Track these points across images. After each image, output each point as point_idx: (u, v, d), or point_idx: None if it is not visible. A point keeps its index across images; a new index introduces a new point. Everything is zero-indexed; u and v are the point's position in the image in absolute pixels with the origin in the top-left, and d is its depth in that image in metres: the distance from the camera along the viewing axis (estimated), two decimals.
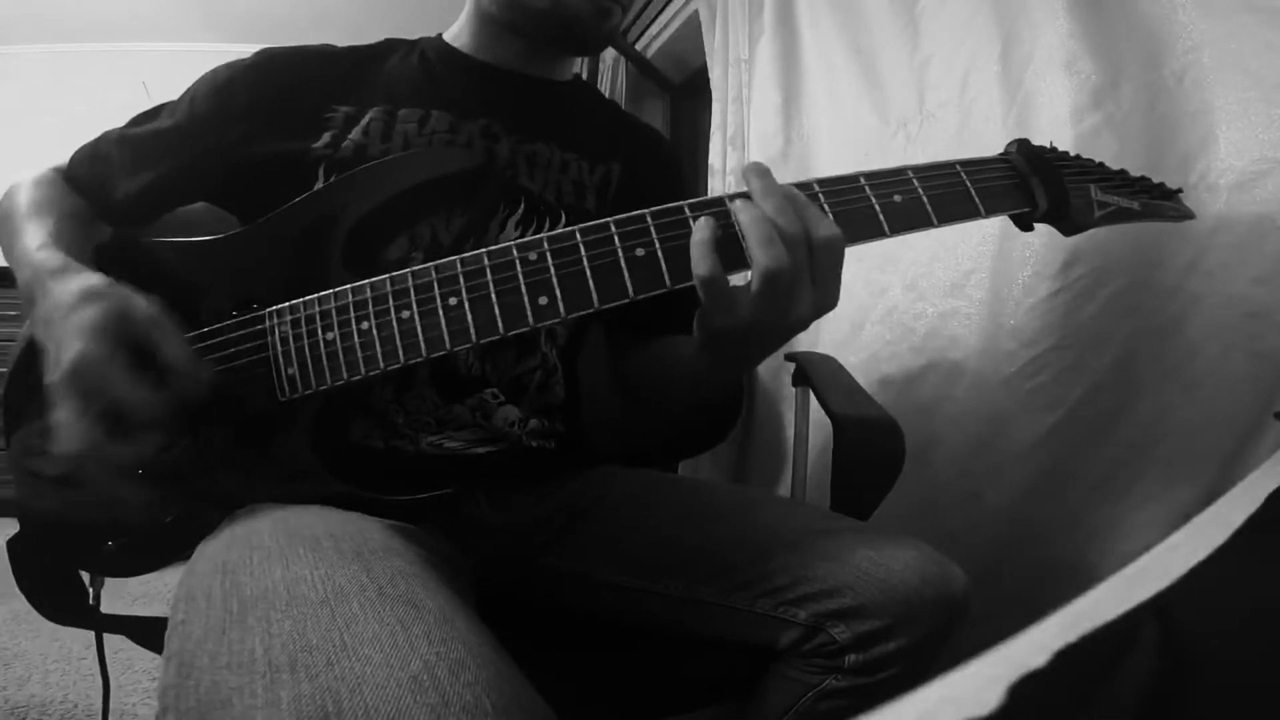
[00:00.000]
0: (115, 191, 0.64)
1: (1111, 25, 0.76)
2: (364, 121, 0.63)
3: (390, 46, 0.71)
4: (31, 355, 0.59)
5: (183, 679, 0.37)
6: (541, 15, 0.64)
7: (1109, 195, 0.56)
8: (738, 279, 0.48)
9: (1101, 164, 0.58)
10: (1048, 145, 0.57)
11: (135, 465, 0.49)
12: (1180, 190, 0.59)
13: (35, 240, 0.56)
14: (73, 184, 0.65)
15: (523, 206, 0.66)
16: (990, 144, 0.57)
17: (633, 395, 0.76)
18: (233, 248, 0.58)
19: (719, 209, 0.48)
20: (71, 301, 0.49)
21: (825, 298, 0.48)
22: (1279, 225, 0.64)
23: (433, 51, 0.70)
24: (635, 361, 0.74)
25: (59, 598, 0.65)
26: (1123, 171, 0.58)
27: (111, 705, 1.17)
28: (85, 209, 0.64)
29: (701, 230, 0.47)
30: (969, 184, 0.52)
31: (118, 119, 0.68)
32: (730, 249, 0.47)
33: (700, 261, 0.46)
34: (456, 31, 0.72)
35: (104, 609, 0.67)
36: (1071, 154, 0.57)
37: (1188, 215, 0.59)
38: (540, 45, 0.68)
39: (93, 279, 0.51)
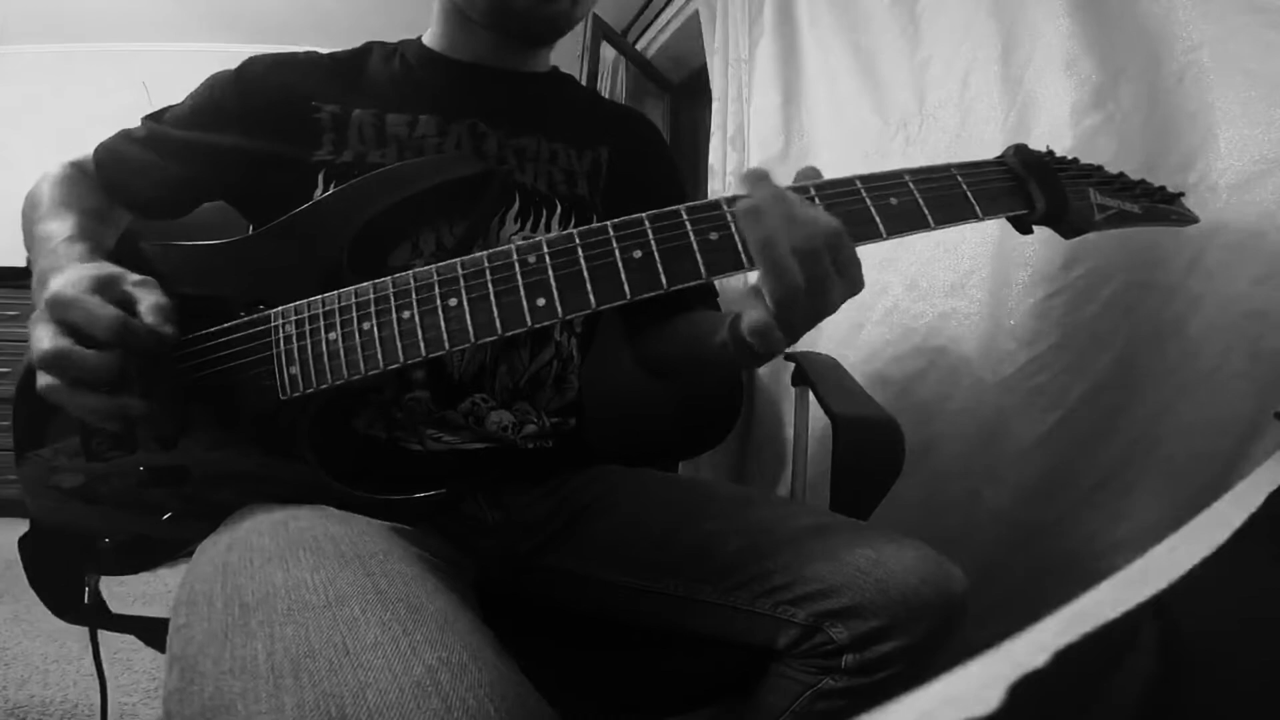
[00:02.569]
0: (138, 190, 0.67)
1: (1111, 25, 0.76)
2: (355, 126, 0.64)
3: (370, 49, 0.72)
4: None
5: (186, 684, 0.37)
6: (487, 3, 0.65)
7: (1110, 198, 0.56)
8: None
9: (1100, 167, 0.58)
10: (1045, 149, 0.57)
11: (96, 376, 0.49)
12: (1183, 194, 0.59)
13: (62, 231, 0.58)
14: (97, 179, 0.68)
15: (519, 199, 0.66)
16: (990, 144, 0.57)
17: (654, 373, 0.77)
18: (242, 253, 0.59)
19: (715, 213, 0.49)
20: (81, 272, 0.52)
21: (853, 286, 0.49)
22: (1279, 225, 0.64)
23: (412, 55, 0.71)
24: (655, 343, 0.75)
25: (70, 596, 0.65)
26: (1122, 174, 0.58)
27: (111, 705, 1.17)
28: (104, 204, 0.66)
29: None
30: (965, 187, 0.52)
31: (118, 119, 0.69)
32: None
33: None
34: (432, 32, 0.73)
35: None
36: (1070, 158, 0.57)
37: (1191, 219, 0.59)
38: (502, 37, 0.69)
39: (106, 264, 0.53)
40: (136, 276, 0.52)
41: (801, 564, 0.57)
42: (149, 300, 0.51)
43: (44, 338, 0.49)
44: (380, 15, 1.97)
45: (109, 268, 0.52)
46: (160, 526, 0.56)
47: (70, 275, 0.51)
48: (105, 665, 0.75)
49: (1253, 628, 0.25)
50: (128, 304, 0.51)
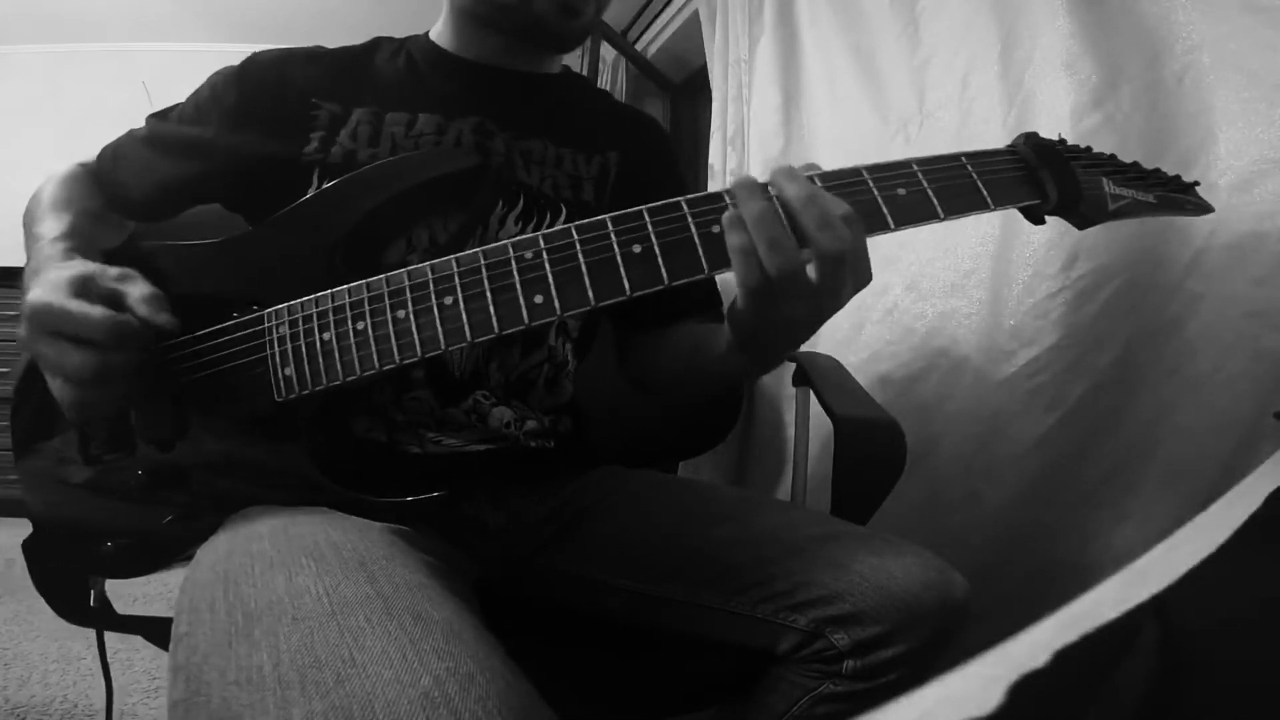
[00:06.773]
0: (132, 190, 0.67)
1: (1111, 25, 0.76)
2: (351, 124, 0.64)
3: (377, 45, 0.71)
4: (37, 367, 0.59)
5: (192, 694, 0.37)
6: (508, 10, 0.64)
7: (1123, 188, 0.54)
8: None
9: (1113, 156, 0.56)
10: (1058, 136, 0.55)
11: (90, 371, 0.49)
12: (1197, 183, 0.58)
13: (51, 232, 0.58)
14: (97, 180, 0.67)
15: (522, 202, 0.66)
16: (990, 144, 0.55)
17: (646, 390, 0.76)
18: (234, 252, 0.59)
19: (718, 204, 0.48)
20: (55, 276, 0.51)
21: (863, 276, 0.48)
22: (1279, 225, 0.64)
23: (418, 51, 0.71)
24: (650, 356, 0.74)
25: (77, 599, 0.65)
26: (1136, 164, 0.57)
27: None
28: (104, 206, 0.66)
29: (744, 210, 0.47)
30: (975, 176, 0.50)
31: (117, 119, 0.69)
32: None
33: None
34: (440, 29, 0.72)
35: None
36: (1083, 146, 0.56)
37: (1206, 209, 0.57)
38: (514, 40, 0.68)
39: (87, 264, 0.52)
40: (116, 270, 0.51)
41: (805, 570, 0.57)
42: (136, 292, 0.50)
43: (65, 354, 0.48)
44: (381, 14, 1.97)
45: (85, 266, 0.51)
46: (160, 528, 0.56)
47: (46, 281, 0.50)
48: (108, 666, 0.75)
49: (1253, 628, 0.25)
50: (113, 301, 0.50)
